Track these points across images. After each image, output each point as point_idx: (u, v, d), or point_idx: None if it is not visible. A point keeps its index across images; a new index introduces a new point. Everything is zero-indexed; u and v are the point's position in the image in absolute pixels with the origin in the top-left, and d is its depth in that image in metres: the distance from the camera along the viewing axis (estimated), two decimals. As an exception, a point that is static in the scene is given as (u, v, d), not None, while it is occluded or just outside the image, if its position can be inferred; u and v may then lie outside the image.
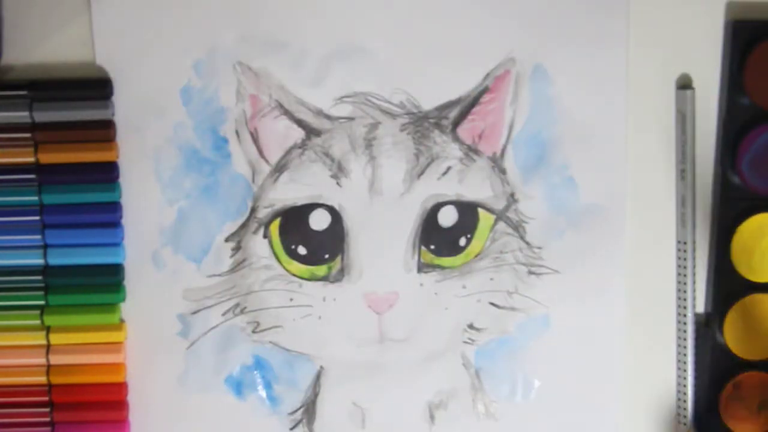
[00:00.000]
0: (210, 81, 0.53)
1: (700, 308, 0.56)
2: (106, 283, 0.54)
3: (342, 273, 0.54)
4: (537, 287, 0.55)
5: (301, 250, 0.54)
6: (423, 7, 0.53)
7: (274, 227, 0.54)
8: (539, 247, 0.55)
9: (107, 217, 0.53)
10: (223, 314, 0.55)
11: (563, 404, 0.56)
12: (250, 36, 0.53)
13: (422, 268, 0.55)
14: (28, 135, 0.53)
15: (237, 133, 0.54)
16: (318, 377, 0.56)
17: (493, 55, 0.53)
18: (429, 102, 0.53)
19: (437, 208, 0.54)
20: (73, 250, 0.53)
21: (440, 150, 0.54)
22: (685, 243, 0.55)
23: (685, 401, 0.56)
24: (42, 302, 0.54)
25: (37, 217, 0.53)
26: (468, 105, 0.54)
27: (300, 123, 0.54)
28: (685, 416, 0.56)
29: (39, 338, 0.54)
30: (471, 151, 0.54)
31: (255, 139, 0.54)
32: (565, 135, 0.54)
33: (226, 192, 0.54)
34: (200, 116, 0.53)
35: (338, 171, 0.54)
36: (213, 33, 0.53)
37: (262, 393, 0.56)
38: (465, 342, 0.56)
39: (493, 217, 0.55)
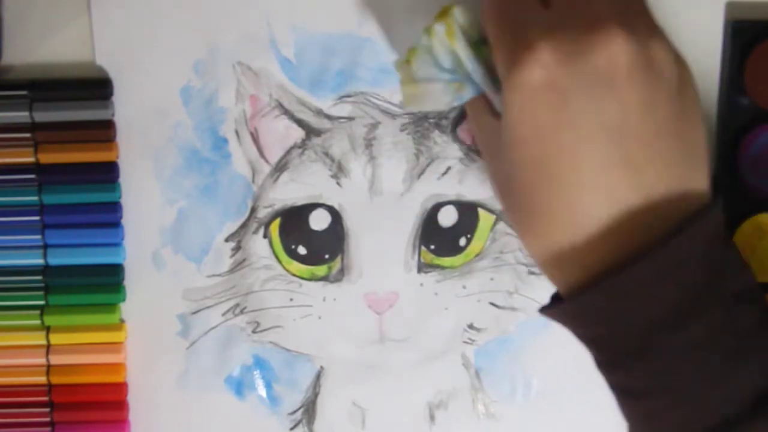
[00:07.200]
0: (210, 81, 0.53)
1: (700, 308, 0.56)
2: (106, 283, 0.54)
3: (342, 273, 0.54)
4: (537, 287, 0.55)
5: (301, 250, 0.54)
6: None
7: (274, 227, 0.54)
8: (539, 247, 0.55)
9: (107, 217, 0.53)
10: (223, 314, 0.55)
11: (563, 404, 0.56)
12: (250, 36, 0.53)
13: (422, 268, 0.55)
14: (28, 135, 0.53)
15: (237, 133, 0.54)
16: (318, 377, 0.56)
17: (493, 55, 0.53)
18: (429, 102, 0.53)
19: (437, 208, 0.54)
20: (73, 250, 0.53)
21: (440, 150, 0.54)
22: (685, 243, 0.55)
23: (685, 401, 0.56)
24: (42, 302, 0.54)
25: (37, 217, 0.53)
26: (468, 105, 0.54)
27: (300, 123, 0.54)
28: (685, 416, 0.56)
29: (39, 338, 0.54)
30: (471, 152, 0.54)
31: (255, 139, 0.54)
32: (565, 135, 0.54)
33: (226, 192, 0.54)
34: (200, 116, 0.53)
35: (338, 171, 0.54)
36: (213, 33, 0.53)
37: (262, 393, 0.56)
38: (465, 342, 0.56)
39: (493, 217, 0.54)
